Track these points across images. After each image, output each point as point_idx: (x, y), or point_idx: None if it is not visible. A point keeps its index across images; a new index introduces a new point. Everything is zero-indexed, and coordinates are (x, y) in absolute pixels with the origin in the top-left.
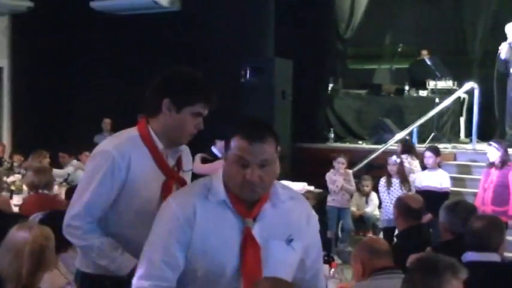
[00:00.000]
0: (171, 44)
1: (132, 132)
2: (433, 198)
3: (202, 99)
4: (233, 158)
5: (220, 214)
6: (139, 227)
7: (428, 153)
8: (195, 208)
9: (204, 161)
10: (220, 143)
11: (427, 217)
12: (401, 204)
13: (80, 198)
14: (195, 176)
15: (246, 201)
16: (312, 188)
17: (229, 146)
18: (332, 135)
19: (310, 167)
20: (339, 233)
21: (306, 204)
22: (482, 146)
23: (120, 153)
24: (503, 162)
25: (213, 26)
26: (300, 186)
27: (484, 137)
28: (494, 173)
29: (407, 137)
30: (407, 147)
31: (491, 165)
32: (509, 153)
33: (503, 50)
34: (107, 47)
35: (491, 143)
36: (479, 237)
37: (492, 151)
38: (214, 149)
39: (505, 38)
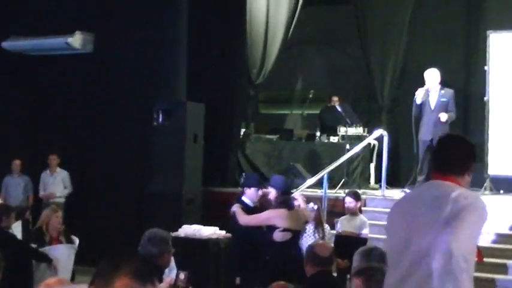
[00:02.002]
0: (83, 86)
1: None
2: (351, 243)
3: None
4: None
5: None
6: None
7: (349, 199)
8: None
9: (244, 211)
10: (249, 192)
11: (345, 263)
12: (309, 252)
13: None
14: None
15: None
16: (222, 232)
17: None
18: (243, 180)
19: (221, 212)
20: None
21: None
22: (391, 192)
23: None
24: None
25: (125, 68)
26: (211, 231)
27: (393, 183)
28: None
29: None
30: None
31: None
32: None
33: (419, 95)
34: (18, 87)
35: (404, 190)
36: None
37: None
38: (245, 199)
39: (412, 85)
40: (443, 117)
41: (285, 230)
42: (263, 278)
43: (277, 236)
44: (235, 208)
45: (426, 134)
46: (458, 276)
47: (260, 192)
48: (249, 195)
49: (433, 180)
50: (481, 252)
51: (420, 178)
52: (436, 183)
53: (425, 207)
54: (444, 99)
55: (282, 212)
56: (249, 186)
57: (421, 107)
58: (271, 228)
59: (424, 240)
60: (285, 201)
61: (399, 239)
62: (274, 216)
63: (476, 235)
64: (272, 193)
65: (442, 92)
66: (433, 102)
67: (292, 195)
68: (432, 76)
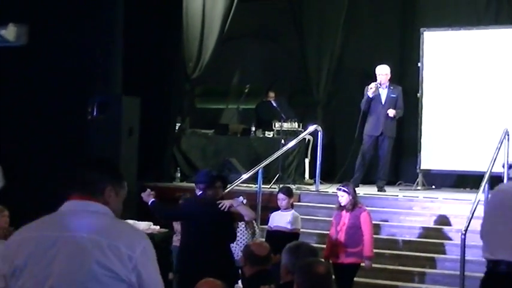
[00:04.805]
0: (17, 79)
1: None
2: (282, 238)
3: None
4: None
5: None
6: None
7: (281, 196)
8: None
9: None
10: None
11: (275, 258)
12: (247, 252)
13: None
14: None
15: None
16: (157, 227)
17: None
18: (178, 174)
19: None
20: None
21: None
22: (326, 187)
23: None
24: (354, 205)
25: (59, 62)
26: (146, 226)
27: (327, 178)
28: (346, 215)
29: None
30: None
31: (342, 208)
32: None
33: (372, 89)
34: None
35: (340, 187)
36: (322, 282)
37: (342, 195)
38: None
39: (348, 81)
40: (391, 112)
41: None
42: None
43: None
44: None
45: (375, 129)
46: None
47: None
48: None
49: None
50: None
51: (358, 174)
52: None
53: None
54: (394, 95)
55: None
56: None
57: (370, 101)
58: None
59: None
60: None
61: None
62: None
63: None
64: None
65: (392, 88)
66: (383, 98)
67: None
68: (385, 71)
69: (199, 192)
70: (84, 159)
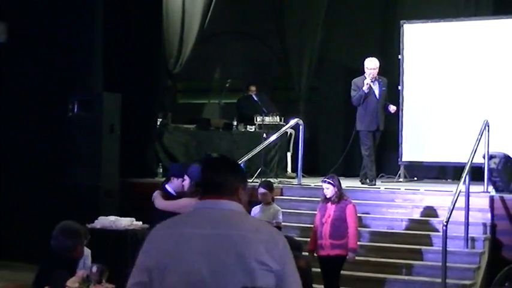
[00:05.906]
0: None
1: None
2: None
3: None
4: None
5: None
6: None
7: (262, 190)
8: None
9: (165, 197)
10: (177, 181)
11: None
12: None
13: None
14: None
15: None
16: (140, 223)
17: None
18: (161, 170)
19: (139, 202)
20: None
21: None
22: (308, 181)
23: None
24: (340, 197)
25: (40, 59)
26: (128, 222)
27: (310, 172)
28: (331, 208)
29: None
30: None
31: (328, 200)
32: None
33: (367, 85)
34: None
35: (325, 179)
36: (303, 277)
37: (327, 187)
38: (168, 187)
39: (329, 75)
40: (393, 109)
41: None
42: None
43: None
44: (156, 193)
45: (372, 124)
46: None
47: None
48: (174, 185)
49: None
50: None
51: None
52: None
53: None
54: (384, 88)
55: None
56: (176, 176)
57: (365, 96)
58: None
59: None
60: (198, 191)
61: None
62: (191, 205)
63: None
64: (186, 182)
65: (380, 81)
66: (377, 92)
67: None
68: (376, 65)
69: None
70: (209, 159)
